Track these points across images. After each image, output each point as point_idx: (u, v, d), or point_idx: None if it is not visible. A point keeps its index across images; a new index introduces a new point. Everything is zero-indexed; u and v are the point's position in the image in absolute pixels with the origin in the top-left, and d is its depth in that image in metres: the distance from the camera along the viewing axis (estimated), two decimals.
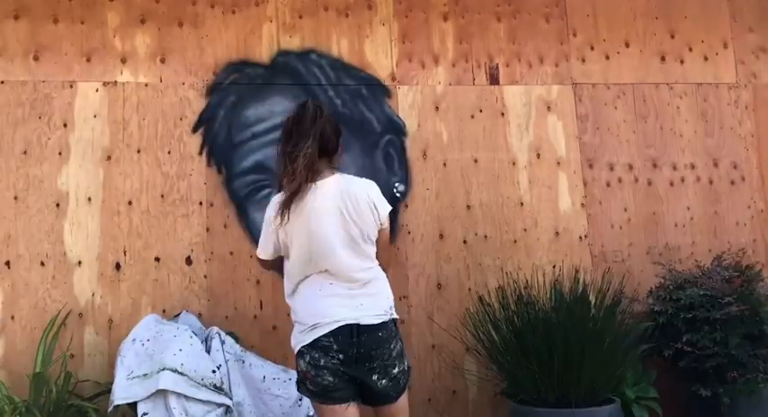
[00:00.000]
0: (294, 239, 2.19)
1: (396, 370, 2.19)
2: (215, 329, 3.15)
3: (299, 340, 2.22)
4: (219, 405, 2.87)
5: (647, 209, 3.92)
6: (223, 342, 3.09)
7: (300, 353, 2.21)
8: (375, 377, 2.15)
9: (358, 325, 2.14)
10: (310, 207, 2.16)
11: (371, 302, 2.20)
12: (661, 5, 4.13)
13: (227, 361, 3.03)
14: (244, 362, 3.09)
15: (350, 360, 2.13)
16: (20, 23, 3.53)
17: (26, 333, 3.29)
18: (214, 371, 2.91)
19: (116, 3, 3.62)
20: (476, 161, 3.81)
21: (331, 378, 2.13)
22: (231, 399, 2.93)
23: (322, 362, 2.13)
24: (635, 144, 3.97)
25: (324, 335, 2.15)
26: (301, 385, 2.23)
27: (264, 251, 2.34)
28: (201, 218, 3.52)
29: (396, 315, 2.28)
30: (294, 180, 2.11)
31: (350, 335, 2.13)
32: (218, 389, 2.89)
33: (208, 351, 3.02)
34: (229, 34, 3.69)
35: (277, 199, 2.22)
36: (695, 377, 3.38)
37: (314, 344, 2.16)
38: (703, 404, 3.39)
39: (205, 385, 2.86)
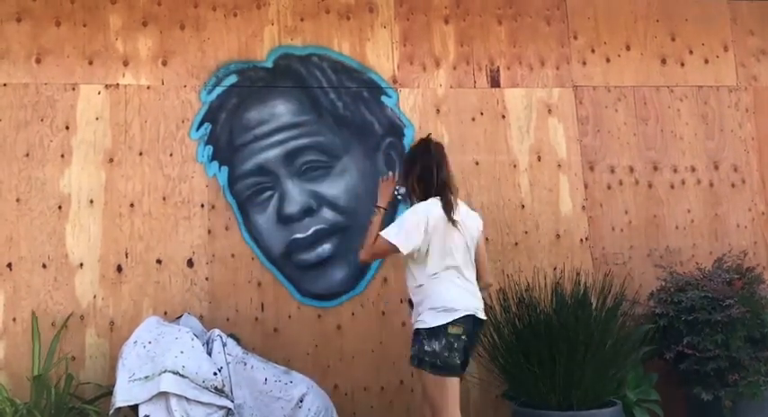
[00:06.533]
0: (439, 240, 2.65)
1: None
2: (216, 331, 3.15)
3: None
4: (221, 408, 2.87)
5: (647, 212, 3.92)
6: (224, 345, 3.09)
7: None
8: None
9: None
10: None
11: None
12: (662, 8, 4.14)
13: (228, 364, 3.03)
14: (245, 364, 3.08)
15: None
16: (22, 26, 3.54)
17: (27, 336, 3.29)
18: (215, 373, 2.91)
19: (118, 5, 3.63)
20: (477, 163, 3.81)
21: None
22: (232, 401, 2.93)
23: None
24: (636, 146, 3.97)
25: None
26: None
27: (408, 244, 2.62)
28: (203, 221, 3.53)
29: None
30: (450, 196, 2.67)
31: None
32: (219, 391, 2.89)
33: (209, 354, 3.02)
34: (231, 37, 3.70)
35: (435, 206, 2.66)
36: (696, 380, 3.38)
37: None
38: (705, 407, 3.38)
39: (206, 388, 2.86)
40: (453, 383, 2.54)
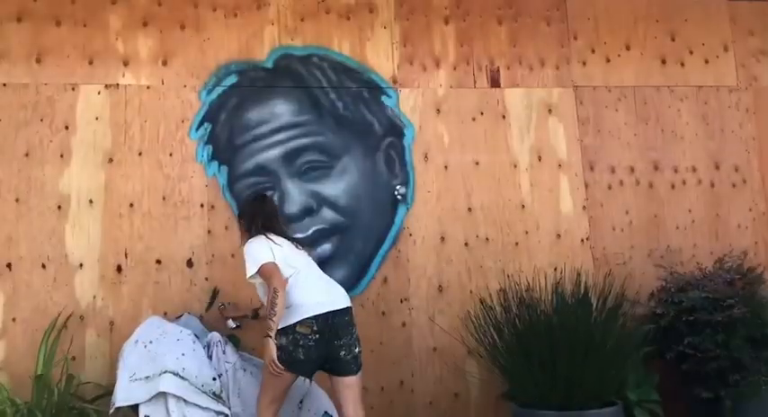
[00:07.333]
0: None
1: None
2: (216, 335, 3.14)
3: None
4: (218, 413, 2.86)
5: (648, 212, 3.92)
6: (224, 351, 3.09)
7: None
8: None
9: None
10: None
11: None
12: (662, 8, 4.14)
13: (227, 371, 3.03)
14: (244, 371, 3.09)
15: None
16: (22, 26, 3.54)
17: (27, 336, 3.29)
18: (215, 379, 2.91)
19: (118, 6, 3.63)
20: (477, 163, 3.81)
21: None
22: (229, 408, 2.91)
23: None
24: (636, 146, 3.97)
25: None
26: None
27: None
28: (203, 221, 3.52)
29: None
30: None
31: None
32: (217, 397, 2.88)
33: (210, 358, 3.02)
34: (231, 37, 3.70)
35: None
36: (697, 380, 3.38)
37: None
38: (706, 407, 3.38)
39: (205, 392, 2.85)
40: (284, 378, 2.76)
